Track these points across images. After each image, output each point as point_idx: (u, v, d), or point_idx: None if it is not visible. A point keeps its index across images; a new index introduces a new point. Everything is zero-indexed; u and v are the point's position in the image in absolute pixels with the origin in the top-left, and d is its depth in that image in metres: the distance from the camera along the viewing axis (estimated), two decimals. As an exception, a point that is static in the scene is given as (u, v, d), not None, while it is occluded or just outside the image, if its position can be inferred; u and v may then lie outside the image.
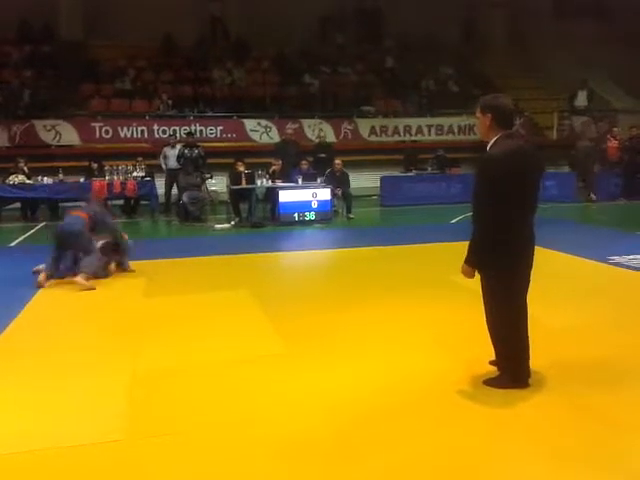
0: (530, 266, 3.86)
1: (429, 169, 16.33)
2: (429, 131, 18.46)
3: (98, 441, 3.37)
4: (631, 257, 7.80)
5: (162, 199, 13.71)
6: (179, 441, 3.37)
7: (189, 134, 14.75)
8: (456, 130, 18.62)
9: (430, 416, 3.62)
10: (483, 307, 3.94)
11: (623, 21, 19.97)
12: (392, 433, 3.42)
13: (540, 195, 3.86)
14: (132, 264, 7.68)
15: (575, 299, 6.06)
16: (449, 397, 3.85)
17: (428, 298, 6.23)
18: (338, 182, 13.06)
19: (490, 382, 3.93)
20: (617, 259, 7.71)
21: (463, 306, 5.81)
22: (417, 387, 4.03)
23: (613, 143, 16.38)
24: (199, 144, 14.23)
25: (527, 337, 3.88)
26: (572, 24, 20.32)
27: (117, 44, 18.49)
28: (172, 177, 13.69)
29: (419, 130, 18.37)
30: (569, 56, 19.93)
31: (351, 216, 12.93)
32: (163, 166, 13.89)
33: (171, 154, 13.79)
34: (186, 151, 13.65)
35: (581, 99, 19.34)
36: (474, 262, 3.81)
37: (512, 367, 3.90)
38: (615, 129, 17.00)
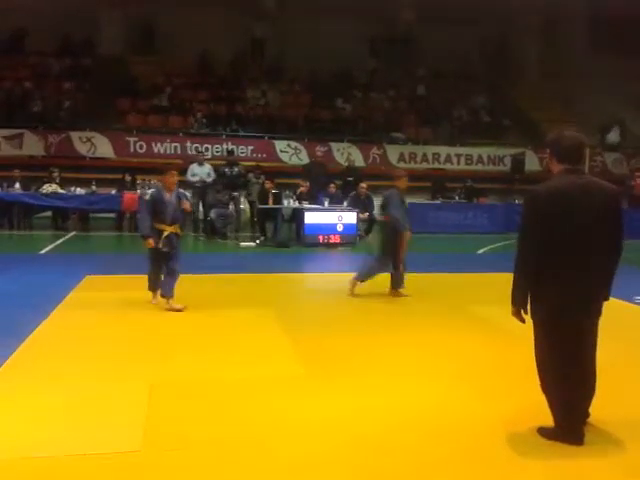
0: (590, 317, 3.56)
1: (456, 198, 16.30)
2: (458, 160, 18.48)
3: (116, 450, 3.41)
4: (659, 297, 7.67)
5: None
6: (194, 455, 3.38)
7: (230, 152, 14.99)
8: (486, 160, 18.60)
9: (446, 454, 3.53)
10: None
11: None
12: (408, 468, 3.36)
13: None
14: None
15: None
16: (472, 434, 3.75)
17: (449, 327, 6.19)
18: (363, 205, 13.10)
19: (542, 431, 3.65)
20: (644, 299, 7.59)
21: (482, 337, 5.80)
22: (436, 422, 3.95)
23: None
24: (239, 162, 14.41)
25: (578, 393, 3.55)
26: (608, 59, 20.23)
27: (156, 60, 18.97)
28: (200, 194, 13.75)
29: (448, 159, 18.40)
30: (603, 91, 19.82)
31: (368, 238, 13.04)
32: (191, 180, 13.64)
33: (199, 171, 13.77)
34: (227, 169, 13.78)
35: (613, 135, 19.20)
36: (514, 301, 3.54)
37: (558, 421, 3.57)
38: None
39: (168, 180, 6.56)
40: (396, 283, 7.57)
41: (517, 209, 13.77)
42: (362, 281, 7.52)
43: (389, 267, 7.47)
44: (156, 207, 6.49)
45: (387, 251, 7.44)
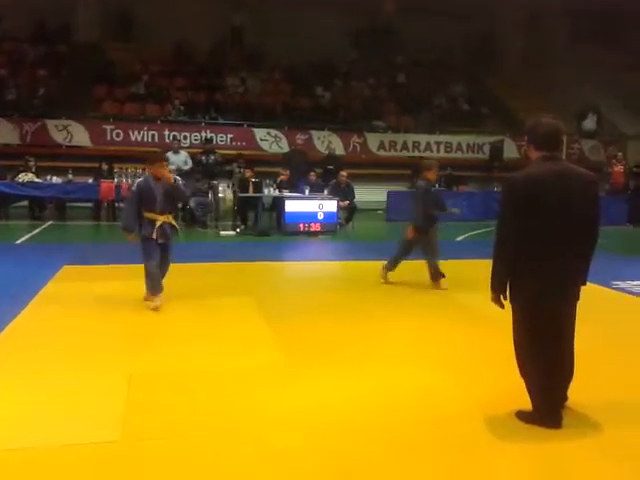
0: (568, 302, 3.61)
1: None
2: (438, 148, 18.53)
3: (94, 441, 3.38)
4: (635, 282, 7.79)
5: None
6: (173, 445, 3.36)
7: (207, 140, 14.85)
8: (465, 148, 18.68)
9: (427, 439, 3.55)
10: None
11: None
12: (389, 453, 3.38)
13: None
14: (135, 267, 7.62)
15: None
16: (452, 418, 3.78)
17: (430, 314, 6.24)
18: (343, 194, 13.10)
19: (520, 415, 3.69)
20: (621, 284, 7.70)
21: (463, 323, 5.85)
22: (416, 407, 3.97)
23: (619, 168, 16.36)
24: (216, 150, 14.28)
25: (556, 377, 3.60)
26: (588, 50, 20.34)
27: (133, 48, 18.71)
28: None
29: (428, 147, 18.45)
30: (582, 81, 19.95)
31: (348, 226, 13.08)
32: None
33: (175, 159, 13.47)
34: (203, 157, 13.65)
35: (589, 123, 19.36)
36: (493, 287, 3.58)
37: (536, 405, 3.62)
38: (619, 154, 17.00)
39: (158, 171, 6.18)
40: (390, 264, 7.64)
41: (495, 196, 13.85)
42: (436, 267, 7.50)
43: (436, 254, 7.50)
44: (143, 196, 6.17)
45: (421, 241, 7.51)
